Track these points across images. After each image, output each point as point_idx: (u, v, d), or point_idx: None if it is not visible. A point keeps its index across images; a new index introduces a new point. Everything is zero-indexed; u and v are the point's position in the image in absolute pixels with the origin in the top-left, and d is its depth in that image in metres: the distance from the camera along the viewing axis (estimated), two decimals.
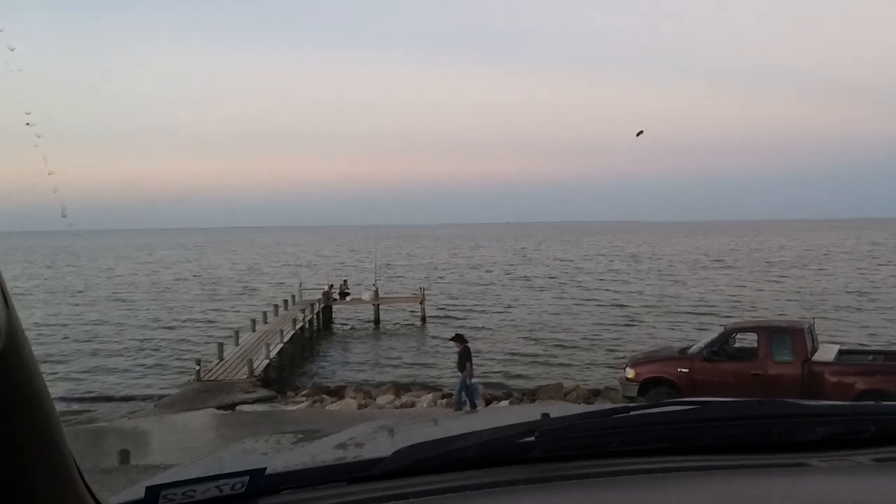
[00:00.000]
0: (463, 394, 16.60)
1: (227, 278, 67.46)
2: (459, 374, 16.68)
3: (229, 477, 1.21)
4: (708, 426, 1.44)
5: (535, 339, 31.64)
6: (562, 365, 26.35)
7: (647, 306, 40.66)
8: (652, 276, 60.86)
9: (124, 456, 11.92)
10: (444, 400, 19.90)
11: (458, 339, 17.27)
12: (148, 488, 1.15)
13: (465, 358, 16.49)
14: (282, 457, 1.92)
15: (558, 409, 1.75)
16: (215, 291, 55.58)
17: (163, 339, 34.20)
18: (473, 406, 16.57)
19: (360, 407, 19.40)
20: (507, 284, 55.31)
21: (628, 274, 63.26)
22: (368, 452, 1.67)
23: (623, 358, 21.14)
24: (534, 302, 44.16)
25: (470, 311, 41.31)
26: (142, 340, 33.88)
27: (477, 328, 35.08)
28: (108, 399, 23.22)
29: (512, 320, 37.30)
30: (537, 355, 28.21)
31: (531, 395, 20.64)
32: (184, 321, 40.08)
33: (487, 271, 69.12)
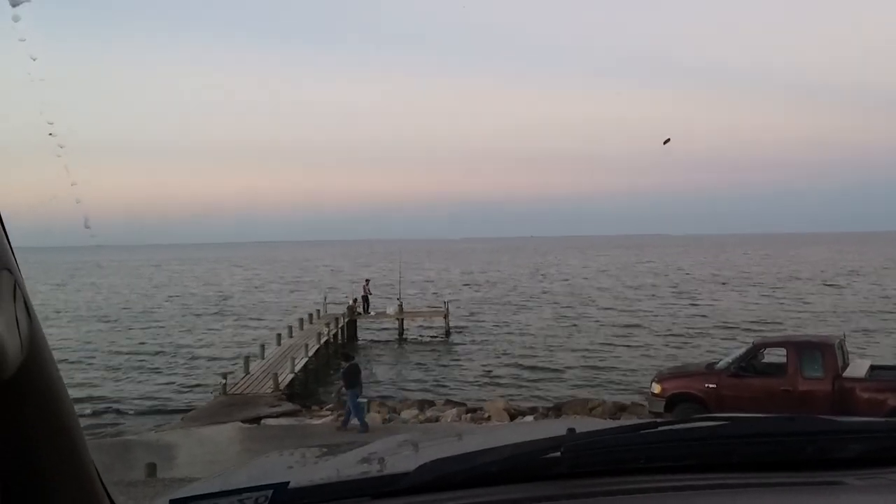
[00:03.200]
0: (352, 410, 16.93)
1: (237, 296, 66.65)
2: (348, 391, 16.99)
3: (252, 491, 1.21)
4: (739, 443, 1.41)
5: (549, 354, 31.49)
6: (578, 382, 26.19)
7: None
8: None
9: (151, 469, 12.00)
10: (468, 415, 19.83)
11: (346, 356, 18.00)
12: (171, 501, 1.15)
13: (350, 375, 16.96)
14: (306, 471, 1.91)
15: (584, 425, 1.73)
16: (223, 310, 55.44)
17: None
18: (345, 423, 17.01)
19: (385, 421, 19.36)
20: (524, 302, 54.93)
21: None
22: (392, 467, 1.66)
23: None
24: (540, 319, 43.69)
25: (493, 326, 41.16)
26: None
27: (496, 342, 35.06)
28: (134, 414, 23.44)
29: (529, 335, 37.10)
30: (553, 370, 28.05)
31: (556, 410, 20.49)
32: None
33: (513, 288, 68.89)
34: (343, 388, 17.15)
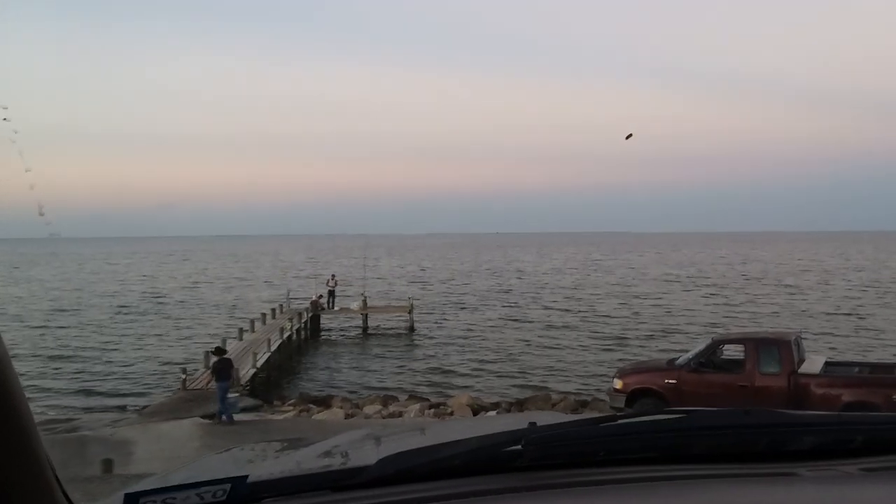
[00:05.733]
0: (224, 403, 17.44)
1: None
2: (218, 384, 17.53)
3: (211, 484, 1.19)
4: (695, 435, 1.44)
5: (511, 350, 31.65)
6: (541, 377, 26.37)
7: None
8: None
9: (107, 465, 11.79)
10: (431, 410, 19.85)
11: (218, 351, 18.77)
12: (126, 495, 1.13)
13: (222, 369, 17.57)
14: (266, 465, 1.90)
15: (545, 418, 1.74)
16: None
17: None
18: (220, 416, 17.53)
19: (347, 416, 19.30)
20: (482, 301, 54.85)
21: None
22: (353, 460, 1.66)
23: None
24: (499, 316, 43.71)
25: (455, 322, 41.15)
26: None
27: (459, 338, 35.15)
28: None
29: (490, 332, 37.22)
30: (515, 367, 28.17)
31: (519, 405, 20.61)
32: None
33: (472, 285, 68.89)
34: (214, 381, 17.73)
